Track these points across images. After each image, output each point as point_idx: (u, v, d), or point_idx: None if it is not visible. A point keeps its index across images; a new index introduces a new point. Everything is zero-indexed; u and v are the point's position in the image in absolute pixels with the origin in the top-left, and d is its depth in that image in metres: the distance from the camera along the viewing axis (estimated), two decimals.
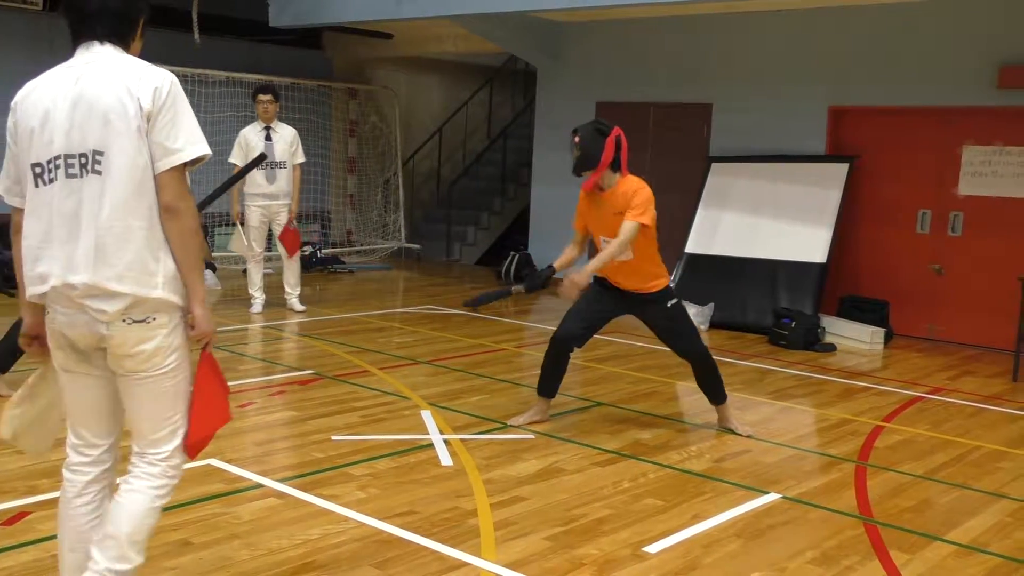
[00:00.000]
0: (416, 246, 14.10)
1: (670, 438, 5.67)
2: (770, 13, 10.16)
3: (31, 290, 2.85)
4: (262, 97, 9.05)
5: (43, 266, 2.80)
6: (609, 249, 5.33)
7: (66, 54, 2.93)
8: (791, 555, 4.03)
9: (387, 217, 14.30)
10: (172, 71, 2.91)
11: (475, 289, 11.53)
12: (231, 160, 8.99)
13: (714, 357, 5.84)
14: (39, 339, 2.99)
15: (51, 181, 2.78)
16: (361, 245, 14.15)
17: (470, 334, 8.62)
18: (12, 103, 2.89)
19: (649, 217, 5.32)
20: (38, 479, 4.49)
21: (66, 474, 3.02)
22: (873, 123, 9.91)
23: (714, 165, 10.43)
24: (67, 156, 2.77)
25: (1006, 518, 4.60)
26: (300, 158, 9.20)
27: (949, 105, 9.23)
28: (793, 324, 8.73)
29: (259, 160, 5.19)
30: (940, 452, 5.64)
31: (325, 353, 7.60)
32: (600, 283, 5.70)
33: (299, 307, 9.26)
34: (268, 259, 9.51)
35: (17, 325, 5.70)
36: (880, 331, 9.03)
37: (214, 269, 10.60)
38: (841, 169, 9.67)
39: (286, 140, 9.09)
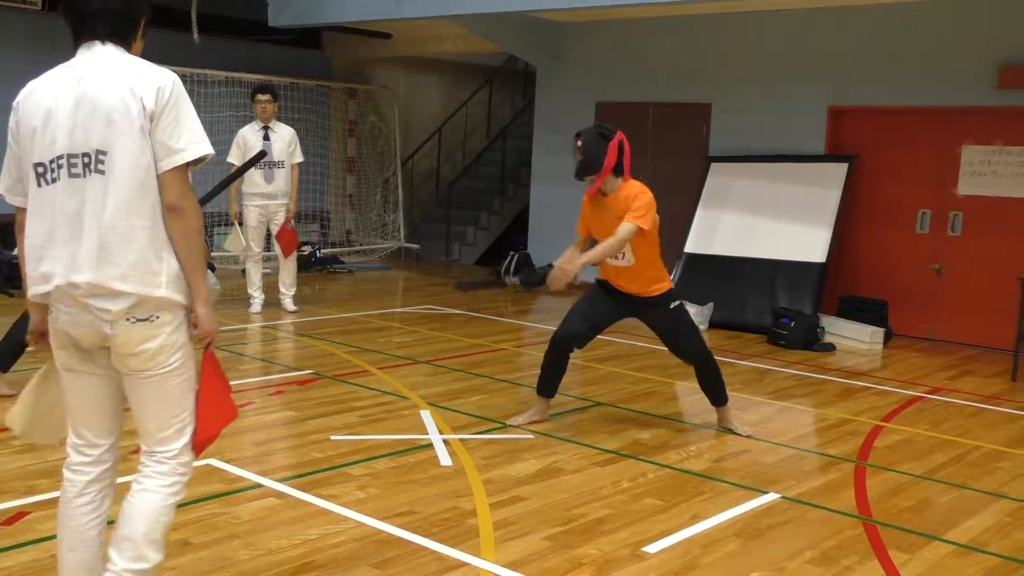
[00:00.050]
0: (415, 246, 14.10)
1: (669, 438, 5.67)
2: (769, 13, 10.16)
3: (34, 289, 2.85)
4: (260, 97, 9.05)
5: (46, 265, 2.80)
6: (603, 245, 5.34)
7: (66, 54, 2.93)
8: (790, 555, 4.03)
9: (386, 217, 14.30)
10: (171, 71, 2.91)
11: (475, 288, 11.54)
12: (229, 160, 8.98)
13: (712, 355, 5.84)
14: (46, 336, 2.99)
15: (54, 181, 2.79)
16: (360, 245, 14.15)
17: (469, 334, 8.62)
18: (14, 103, 2.89)
19: (648, 221, 5.31)
20: (37, 479, 4.49)
21: (66, 474, 3.02)
22: (873, 123, 9.91)
23: (713, 165, 10.43)
24: (70, 156, 2.77)
25: (1005, 518, 4.60)
26: (298, 158, 9.20)
27: (949, 105, 9.23)
28: (792, 324, 8.73)
29: (259, 157, 5.19)
30: (939, 452, 5.64)
31: (324, 353, 7.60)
32: (602, 285, 5.70)
33: (291, 307, 9.25)
34: (267, 259, 9.50)
35: (18, 325, 5.73)
36: (879, 331, 9.03)
37: (213, 269, 10.58)
38: (841, 169, 9.67)
39: (284, 140, 9.09)
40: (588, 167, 5.40)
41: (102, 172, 2.75)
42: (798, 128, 10.13)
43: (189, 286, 2.87)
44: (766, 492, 4.78)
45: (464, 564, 3.79)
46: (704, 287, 9.61)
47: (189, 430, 2.98)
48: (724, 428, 5.84)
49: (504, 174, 15.22)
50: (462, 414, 5.94)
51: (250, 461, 4.91)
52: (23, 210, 2.90)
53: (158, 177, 2.79)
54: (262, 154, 5.33)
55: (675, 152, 11.09)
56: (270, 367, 7.16)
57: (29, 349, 5.71)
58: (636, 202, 5.31)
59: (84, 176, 2.76)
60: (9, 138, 2.89)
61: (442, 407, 6.07)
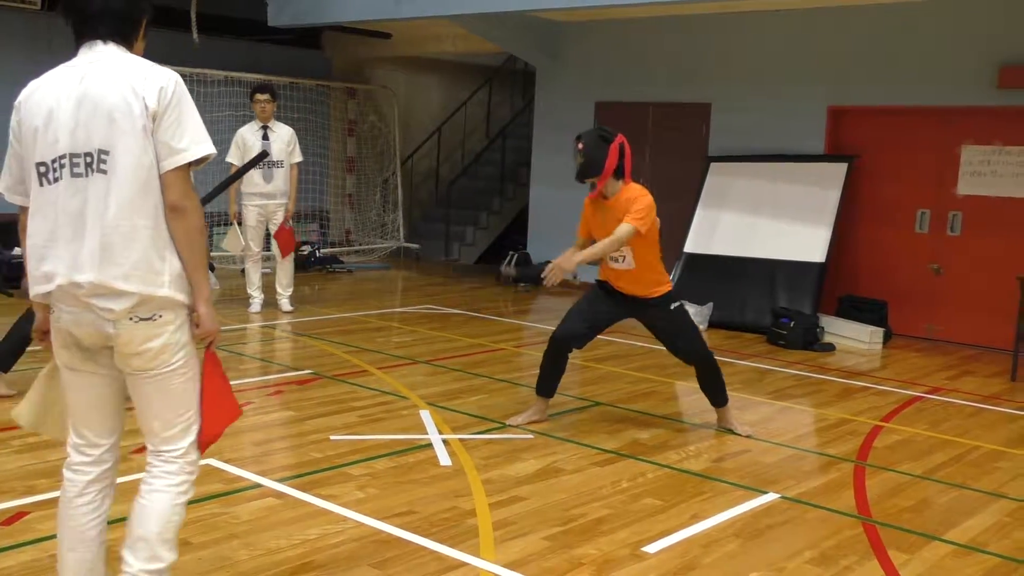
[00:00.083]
0: (415, 246, 14.09)
1: (669, 438, 5.67)
2: (769, 13, 10.16)
3: (36, 289, 2.86)
4: (260, 96, 9.04)
5: (48, 265, 2.81)
6: (601, 244, 5.34)
7: (65, 54, 2.93)
8: (790, 555, 4.03)
9: (386, 217, 14.29)
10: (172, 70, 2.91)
11: (474, 288, 11.54)
12: (228, 159, 8.98)
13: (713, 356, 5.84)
14: (50, 334, 3.00)
15: (56, 180, 2.79)
16: (360, 245, 14.15)
17: (469, 334, 8.62)
18: (16, 102, 2.89)
19: (647, 223, 5.32)
20: (37, 479, 4.49)
21: (67, 474, 3.02)
22: (872, 123, 9.91)
23: (713, 165, 10.43)
24: (72, 155, 2.77)
25: (1005, 518, 4.60)
26: (298, 157, 9.20)
27: (948, 105, 9.23)
28: (792, 324, 8.73)
29: (261, 157, 5.18)
30: (939, 452, 5.64)
31: (323, 353, 7.60)
32: (602, 286, 5.70)
33: (287, 307, 9.25)
34: (266, 259, 9.50)
35: (20, 324, 5.73)
36: (879, 331, 9.03)
37: (212, 269, 10.60)
38: (840, 169, 9.67)
39: (283, 139, 9.09)
40: (589, 169, 5.40)
41: (104, 172, 2.75)
42: (798, 128, 10.13)
43: (191, 285, 2.88)
44: (765, 492, 4.78)
45: (463, 564, 3.78)
46: (704, 287, 9.61)
47: (194, 428, 2.99)
48: (724, 428, 5.83)
49: (503, 174, 15.22)
50: (461, 414, 5.94)
51: (249, 461, 4.90)
52: (26, 209, 2.90)
53: (160, 177, 2.79)
54: (264, 155, 5.33)
55: (675, 152, 11.09)
56: (269, 367, 7.16)
57: (31, 348, 5.74)
58: (636, 204, 5.32)
59: (86, 176, 2.76)
60: (10, 137, 2.90)
61: (441, 407, 6.07)
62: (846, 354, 8.60)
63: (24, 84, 2.93)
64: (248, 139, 9.01)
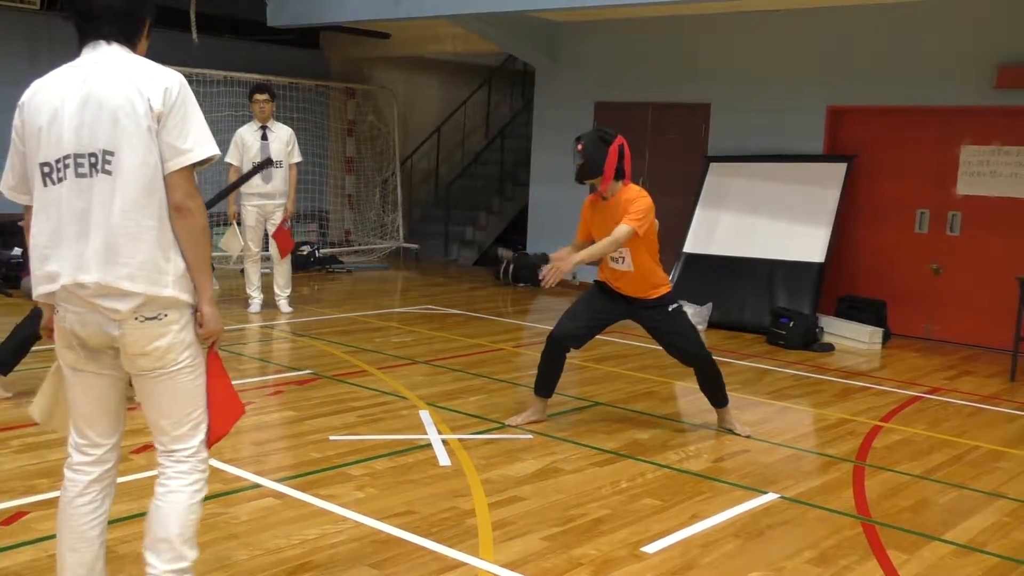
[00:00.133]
0: (414, 246, 14.09)
1: (668, 438, 5.67)
2: (769, 13, 10.16)
3: (40, 289, 2.86)
4: (258, 97, 9.04)
5: (52, 265, 2.81)
6: (598, 245, 5.34)
7: (65, 54, 2.93)
8: (789, 555, 4.03)
9: (385, 217, 14.29)
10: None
11: (474, 288, 11.54)
12: (227, 160, 8.98)
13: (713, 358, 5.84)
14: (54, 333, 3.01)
15: (60, 180, 2.79)
16: (359, 245, 14.14)
17: (468, 334, 8.62)
18: (19, 102, 2.89)
19: (645, 225, 5.32)
20: (36, 479, 4.49)
21: (68, 474, 3.02)
22: (871, 123, 9.92)
23: (712, 165, 10.43)
24: (76, 155, 2.77)
25: (1004, 518, 4.60)
26: (296, 157, 9.20)
27: (947, 105, 9.23)
28: (791, 324, 8.73)
29: (266, 164, 5.19)
30: (938, 452, 5.64)
31: (323, 353, 7.60)
32: (601, 287, 5.70)
33: (286, 308, 9.25)
34: (265, 259, 9.51)
35: (22, 327, 5.74)
36: (878, 331, 9.03)
37: (212, 269, 10.58)
38: (839, 169, 9.67)
39: (282, 140, 9.09)
40: (588, 171, 5.41)
41: (109, 172, 2.75)
42: (797, 128, 10.13)
43: (195, 285, 2.89)
44: (765, 492, 4.78)
45: (463, 564, 3.78)
46: (703, 287, 9.62)
47: (203, 427, 3.00)
48: (724, 429, 5.83)
49: (503, 174, 15.22)
50: (461, 414, 5.94)
51: (249, 461, 4.90)
52: (30, 208, 2.90)
53: (164, 177, 2.80)
54: (269, 162, 5.34)
55: (674, 152, 11.09)
56: (269, 367, 7.16)
57: (35, 348, 5.74)
58: (634, 206, 5.32)
59: (91, 176, 2.76)
60: (13, 136, 2.90)
61: (441, 407, 6.07)
62: (845, 354, 8.60)
63: (23, 84, 2.93)
64: (247, 139, 9.01)
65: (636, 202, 5.34)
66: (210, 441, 3.03)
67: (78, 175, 2.77)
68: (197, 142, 2.83)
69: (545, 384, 5.80)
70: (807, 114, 10.08)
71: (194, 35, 10.94)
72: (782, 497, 4.72)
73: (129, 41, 2.90)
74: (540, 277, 5.31)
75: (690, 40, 10.87)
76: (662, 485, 4.82)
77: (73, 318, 2.84)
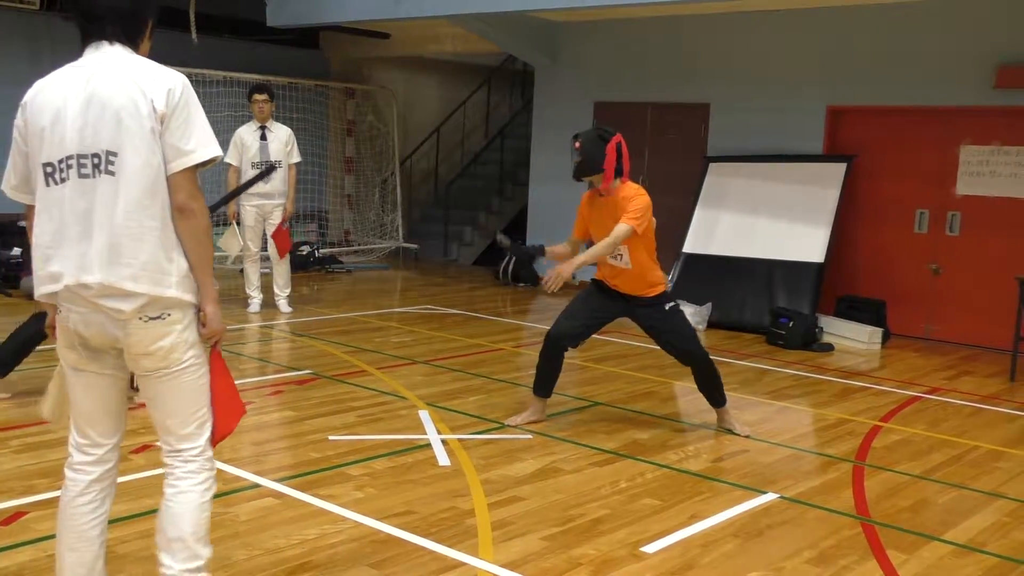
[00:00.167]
0: (413, 246, 14.09)
1: (668, 438, 5.67)
2: (768, 13, 10.16)
3: (42, 289, 2.86)
4: (257, 97, 9.05)
5: (55, 265, 2.81)
6: (598, 246, 5.35)
7: (64, 54, 2.93)
8: (788, 555, 4.03)
9: (385, 217, 14.29)
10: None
11: (474, 288, 11.55)
12: (226, 160, 8.98)
13: (712, 357, 5.84)
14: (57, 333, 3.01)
15: (63, 181, 2.79)
16: (359, 245, 14.14)
17: (467, 334, 8.62)
18: (22, 101, 2.89)
19: (644, 223, 5.32)
20: (35, 479, 4.49)
21: (69, 473, 3.03)
22: (871, 123, 9.92)
23: (712, 165, 10.43)
24: (80, 156, 2.77)
25: (1004, 518, 4.60)
26: (296, 158, 9.20)
27: (947, 105, 9.23)
28: (791, 324, 8.73)
29: (269, 171, 5.22)
30: (937, 452, 5.64)
31: (322, 353, 7.60)
32: (597, 285, 5.70)
33: (286, 308, 9.25)
34: (265, 259, 9.51)
35: (24, 327, 5.74)
36: (878, 331, 9.03)
37: None
38: (839, 169, 9.67)
39: (281, 140, 9.09)
40: (585, 168, 5.41)
41: (112, 173, 2.76)
42: (796, 128, 10.13)
43: (198, 285, 2.90)
44: (764, 492, 4.78)
45: (462, 564, 3.78)
46: (702, 287, 9.62)
47: (208, 425, 3.01)
48: (723, 428, 5.83)
49: (502, 174, 15.22)
50: (460, 414, 5.94)
51: (248, 461, 4.90)
52: (32, 208, 2.91)
53: (167, 178, 2.81)
54: (272, 168, 5.37)
55: (673, 152, 11.09)
56: (268, 367, 7.16)
57: (39, 348, 5.75)
58: (632, 204, 5.32)
59: (94, 177, 2.77)
60: (15, 135, 2.90)
61: (440, 407, 6.07)
62: (845, 354, 8.60)
63: (23, 84, 2.93)
64: (246, 139, 9.02)
65: (634, 200, 5.34)
66: (215, 440, 3.04)
67: (81, 175, 2.77)
68: (200, 143, 2.83)
69: (544, 384, 5.80)
70: (807, 114, 10.08)
71: (193, 35, 10.93)
72: (781, 497, 4.72)
73: (132, 42, 2.90)
74: (543, 282, 5.30)
75: (690, 40, 10.87)
76: (661, 485, 4.82)
77: (76, 318, 2.84)
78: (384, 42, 13.82)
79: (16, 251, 9.77)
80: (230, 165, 8.99)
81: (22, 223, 9.84)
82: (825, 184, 9.64)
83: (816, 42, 10.02)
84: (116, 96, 2.76)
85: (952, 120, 9.31)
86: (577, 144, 5.41)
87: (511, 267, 12.00)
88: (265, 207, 9.03)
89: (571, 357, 5.83)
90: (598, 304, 5.68)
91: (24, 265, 9.46)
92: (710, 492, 4.76)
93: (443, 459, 5.04)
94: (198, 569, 2.99)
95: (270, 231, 9.08)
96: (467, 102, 15.89)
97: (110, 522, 3.12)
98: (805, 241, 9.49)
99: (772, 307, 9.13)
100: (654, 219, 5.47)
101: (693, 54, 10.89)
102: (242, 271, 9.64)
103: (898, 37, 9.49)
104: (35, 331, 5.64)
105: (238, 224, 9.11)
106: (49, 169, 2.80)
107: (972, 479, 5.16)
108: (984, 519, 4.56)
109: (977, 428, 6.25)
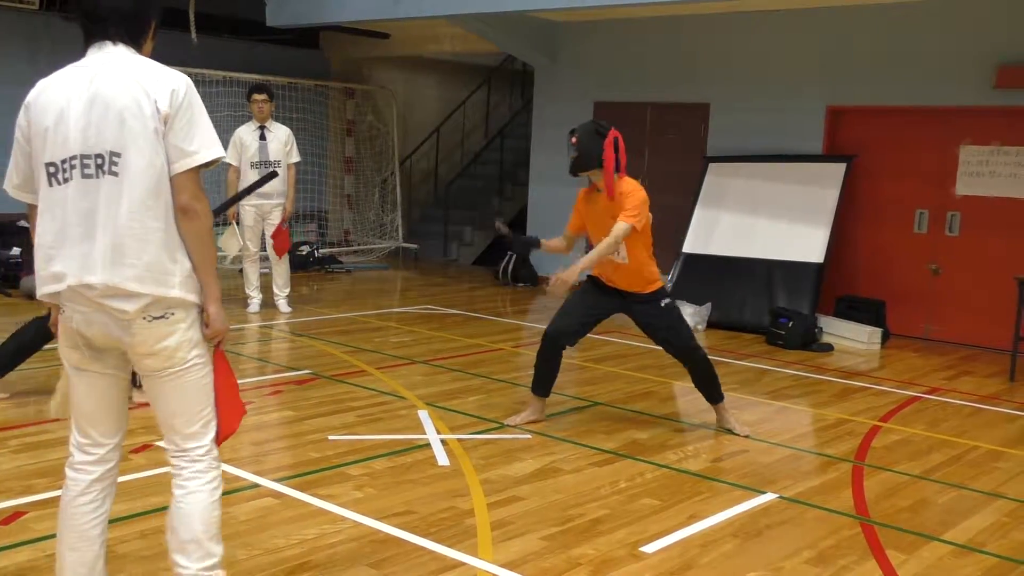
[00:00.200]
0: (413, 246, 14.09)
1: (667, 438, 5.67)
2: (768, 13, 10.16)
3: (44, 289, 2.86)
4: (257, 96, 9.05)
5: (58, 265, 2.81)
6: (598, 248, 5.33)
7: (63, 54, 2.93)
8: (788, 555, 4.03)
9: (384, 217, 14.29)
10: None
11: (473, 288, 11.55)
12: (225, 160, 8.96)
13: (711, 357, 5.84)
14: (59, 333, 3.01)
15: (66, 181, 2.79)
16: (358, 245, 14.14)
17: (467, 334, 8.62)
18: (25, 101, 2.89)
19: (642, 220, 5.32)
20: (34, 479, 4.48)
21: (70, 473, 3.03)
22: (871, 123, 9.91)
23: (711, 165, 10.43)
24: (83, 156, 2.77)
25: (1003, 518, 4.60)
26: (295, 157, 9.20)
27: (947, 105, 9.23)
28: (790, 324, 8.73)
29: (270, 176, 5.27)
30: (937, 452, 5.64)
31: (322, 353, 7.60)
32: (593, 281, 5.70)
33: (285, 308, 9.25)
34: (264, 259, 9.51)
35: (25, 330, 5.74)
36: (877, 331, 9.03)
37: None
38: (839, 169, 9.67)
39: (280, 139, 9.09)
40: (582, 163, 5.41)
41: (116, 174, 2.76)
42: (796, 128, 10.13)
43: (201, 286, 2.91)
44: (764, 492, 4.78)
45: (461, 564, 3.78)
46: (702, 287, 9.62)
47: (213, 424, 3.02)
48: (722, 428, 5.83)
49: (502, 174, 15.22)
50: (460, 414, 5.94)
51: (248, 461, 4.90)
52: (35, 207, 2.91)
53: (171, 179, 2.81)
54: (273, 174, 5.43)
55: (673, 152, 11.09)
56: (268, 367, 7.15)
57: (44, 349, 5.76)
58: (629, 201, 5.32)
59: (97, 177, 2.77)
60: (18, 135, 2.90)
61: (440, 407, 6.07)
62: (844, 354, 8.60)
63: (22, 84, 2.93)
64: (245, 139, 9.02)
65: (631, 196, 5.33)
66: (219, 439, 3.05)
67: (84, 176, 2.77)
68: (203, 144, 2.84)
69: (543, 383, 5.79)
70: (806, 114, 10.08)
71: (193, 35, 10.93)
72: (781, 497, 4.72)
73: (135, 42, 2.90)
74: (548, 288, 5.30)
75: (689, 40, 10.87)
76: (661, 485, 4.82)
77: (80, 318, 2.84)
78: (384, 42, 13.82)
79: (15, 251, 9.76)
80: (229, 165, 8.99)
81: (21, 223, 9.84)
82: (825, 184, 9.63)
83: (816, 42, 10.02)
84: (120, 96, 2.76)
85: (952, 120, 9.31)
86: (573, 139, 5.41)
87: (511, 267, 12.00)
88: (264, 207, 9.03)
89: (570, 357, 5.84)
90: (594, 301, 5.68)
91: (24, 265, 9.46)
92: (709, 492, 4.76)
93: (442, 459, 5.04)
94: (213, 567, 3.01)
95: (269, 231, 9.08)
96: (467, 102, 15.89)
97: (110, 522, 3.12)
98: (805, 241, 9.49)
99: (772, 307, 9.13)
100: (650, 214, 5.46)
101: (693, 54, 10.89)
102: (241, 271, 9.64)
103: (898, 37, 9.49)
104: (36, 335, 5.64)
105: (237, 224, 9.11)
106: (52, 169, 2.80)
107: (971, 479, 5.16)
108: (983, 519, 4.56)
109: (976, 428, 6.25)
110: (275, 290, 9.29)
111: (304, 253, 12.29)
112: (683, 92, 10.99)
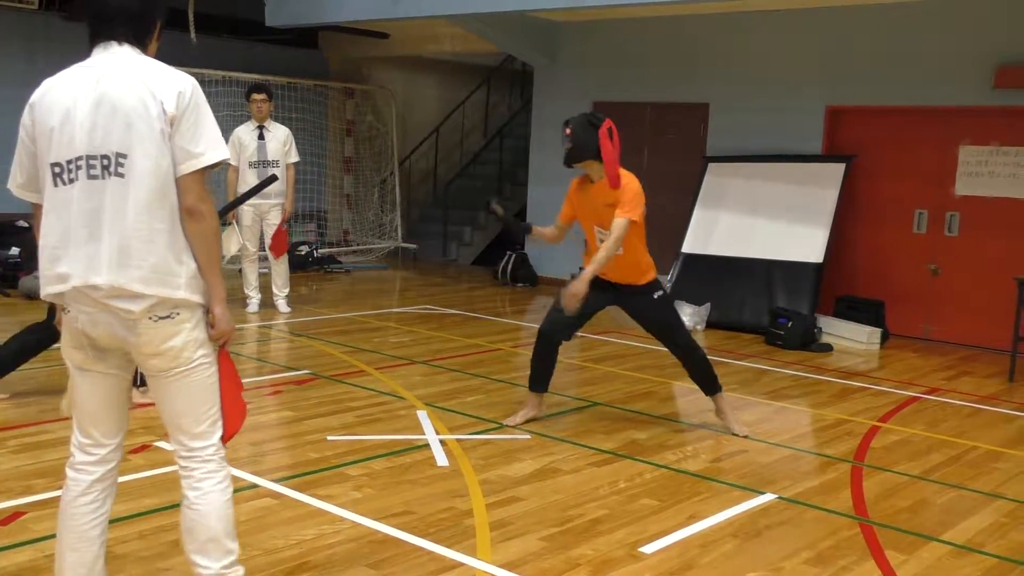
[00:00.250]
0: (412, 246, 14.09)
1: (666, 438, 5.67)
2: (768, 13, 10.16)
3: (48, 289, 2.86)
4: (256, 96, 9.04)
5: (63, 266, 2.81)
6: (603, 251, 5.30)
7: (62, 54, 2.93)
8: (787, 555, 4.03)
9: (384, 217, 14.29)
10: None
11: (472, 288, 11.55)
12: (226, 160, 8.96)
13: (710, 357, 5.84)
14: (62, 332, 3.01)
15: (71, 181, 2.79)
16: (357, 245, 14.14)
17: (466, 334, 8.62)
18: (29, 101, 2.89)
19: (640, 213, 5.32)
20: (34, 479, 4.48)
21: (71, 473, 3.03)
22: (870, 123, 9.92)
23: (711, 165, 10.43)
24: (89, 157, 2.77)
25: (1002, 518, 4.60)
26: (294, 157, 9.19)
27: (946, 105, 9.23)
28: (790, 324, 8.73)
29: (270, 180, 5.29)
30: (936, 452, 5.64)
31: (321, 353, 7.60)
32: None
33: (285, 308, 9.25)
34: (263, 259, 9.50)
35: (27, 332, 5.74)
36: (876, 331, 9.04)
37: None
38: (838, 169, 9.67)
39: (279, 139, 9.09)
40: (576, 154, 5.41)
41: (121, 175, 2.76)
42: (796, 128, 10.13)
43: (206, 286, 2.91)
44: (763, 492, 4.78)
45: (460, 564, 3.78)
46: (701, 287, 9.62)
47: (219, 423, 3.03)
48: (721, 428, 5.82)
49: (502, 174, 15.22)
50: (459, 414, 5.94)
51: (246, 461, 4.90)
52: (40, 207, 2.91)
53: (176, 180, 2.81)
54: (273, 178, 5.45)
55: (672, 152, 11.09)
56: (267, 367, 7.15)
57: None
58: (625, 194, 5.30)
59: (103, 178, 2.77)
60: (22, 134, 2.90)
61: (439, 407, 6.07)
62: (843, 354, 8.60)
63: (20, 84, 2.93)
64: (244, 139, 9.02)
65: (627, 188, 5.31)
66: (224, 439, 3.06)
67: (90, 177, 2.78)
68: (209, 145, 2.86)
69: (540, 379, 5.78)
70: (806, 114, 10.08)
71: (192, 35, 10.93)
72: (780, 497, 4.72)
73: (140, 42, 2.91)
74: (563, 307, 5.29)
75: (689, 40, 10.87)
76: (660, 485, 4.82)
77: (85, 318, 2.84)
78: (383, 42, 13.82)
79: (14, 251, 9.76)
80: (229, 165, 8.99)
81: (20, 223, 9.83)
82: (824, 184, 9.64)
83: (816, 42, 10.02)
84: (126, 98, 2.76)
85: (951, 120, 9.31)
86: (568, 130, 5.41)
87: (510, 267, 12.00)
88: (262, 207, 9.02)
89: (570, 357, 5.83)
90: (588, 294, 5.66)
91: (23, 265, 9.45)
92: (709, 492, 4.76)
93: (441, 459, 5.04)
94: (233, 563, 3.03)
95: (268, 231, 9.08)
96: (466, 102, 15.88)
97: (110, 522, 3.12)
98: (804, 241, 9.49)
99: (771, 307, 9.13)
100: (643, 206, 5.44)
101: (693, 54, 10.89)
102: (240, 271, 9.64)
103: (898, 37, 9.49)
104: (39, 337, 5.65)
105: (236, 224, 9.10)
106: (57, 169, 2.80)
107: (971, 479, 5.16)
108: (983, 519, 4.56)
109: (976, 428, 6.25)
110: (274, 290, 9.29)
111: (303, 253, 12.29)
112: (683, 92, 10.99)
